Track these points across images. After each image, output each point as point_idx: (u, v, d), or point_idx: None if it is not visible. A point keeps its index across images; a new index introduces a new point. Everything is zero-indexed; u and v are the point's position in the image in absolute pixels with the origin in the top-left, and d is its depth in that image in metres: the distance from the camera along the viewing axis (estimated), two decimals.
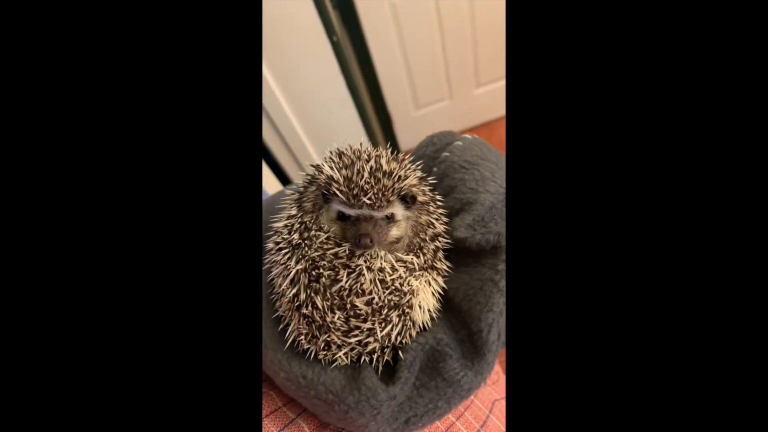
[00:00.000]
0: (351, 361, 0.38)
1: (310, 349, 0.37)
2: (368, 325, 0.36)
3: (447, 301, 0.41)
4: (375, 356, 0.38)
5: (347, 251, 0.37)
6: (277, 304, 0.40)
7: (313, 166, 0.42)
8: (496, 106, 2.27)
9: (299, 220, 0.39)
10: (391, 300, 0.37)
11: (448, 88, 2.14)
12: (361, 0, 1.71)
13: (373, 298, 0.36)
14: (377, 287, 0.36)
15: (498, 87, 2.19)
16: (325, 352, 0.37)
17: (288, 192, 0.44)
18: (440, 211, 0.42)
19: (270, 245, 0.41)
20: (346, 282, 0.36)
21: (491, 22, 1.91)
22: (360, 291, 0.36)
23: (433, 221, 0.41)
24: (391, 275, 0.37)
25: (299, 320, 0.37)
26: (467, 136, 0.47)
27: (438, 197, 0.43)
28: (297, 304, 0.37)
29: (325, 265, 0.37)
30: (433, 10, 1.82)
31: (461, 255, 0.42)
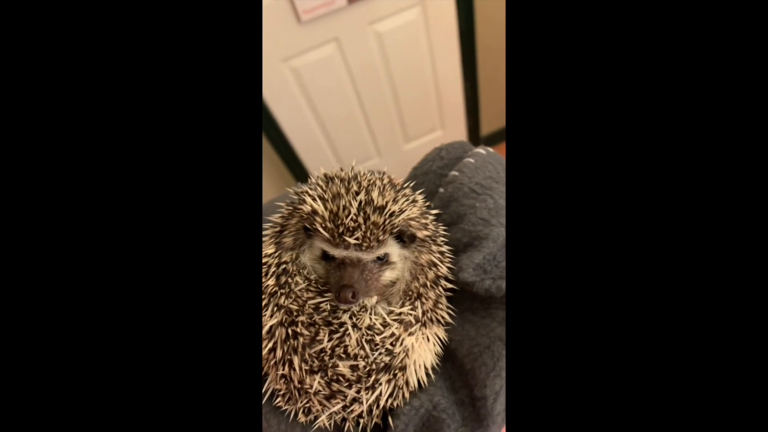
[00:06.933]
0: (335, 423, 0.33)
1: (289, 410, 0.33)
2: (353, 391, 0.31)
3: (448, 352, 0.35)
4: (362, 421, 0.33)
5: (329, 304, 0.31)
6: None
7: (296, 192, 0.35)
8: None
9: (276, 261, 0.34)
10: (381, 362, 0.31)
11: (375, 148, 1.67)
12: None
13: (359, 363, 0.30)
14: (365, 349, 0.31)
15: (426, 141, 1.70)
16: (305, 417, 0.32)
17: (269, 223, 0.37)
18: (444, 248, 0.35)
19: None
20: (328, 343, 0.30)
21: (409, 78, 1.46)
22: (344, 354, 0.31)
23: (436, 261, 0.34)
24: (381, 333, 0.31)
25: (276, 378, 0.32)
26: (481, 150, 0.39)
27: (442, 229, 0.36)
28: (273, 360, 0.32)
29: (303, 321, 0.31)
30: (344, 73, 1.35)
31: (467, 297, 0.35)
